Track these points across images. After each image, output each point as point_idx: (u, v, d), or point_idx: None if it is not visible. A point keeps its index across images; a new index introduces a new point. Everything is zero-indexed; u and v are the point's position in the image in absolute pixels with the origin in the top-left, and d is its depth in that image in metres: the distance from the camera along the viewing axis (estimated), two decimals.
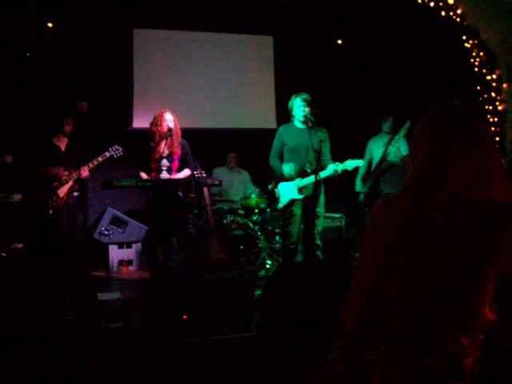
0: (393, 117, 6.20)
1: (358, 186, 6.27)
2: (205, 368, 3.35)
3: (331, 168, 4.81)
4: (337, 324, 1.48)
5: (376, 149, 6.20)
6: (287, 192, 5.00)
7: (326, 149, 5.05)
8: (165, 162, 5.25)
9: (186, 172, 5.35)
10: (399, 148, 5.95)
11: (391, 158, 5.98)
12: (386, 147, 6.05)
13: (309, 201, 4.95)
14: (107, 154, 5.35)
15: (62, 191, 5.26)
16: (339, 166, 4.77)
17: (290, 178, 4.99)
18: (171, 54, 7.26)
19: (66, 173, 5.29)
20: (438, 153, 1.40)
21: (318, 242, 5.01)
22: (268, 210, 6.28)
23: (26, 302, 3.61)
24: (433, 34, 6.32)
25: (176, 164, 5.32)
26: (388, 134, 6.20)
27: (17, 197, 5.60)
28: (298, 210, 4.99)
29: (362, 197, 6.20)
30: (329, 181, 5.05)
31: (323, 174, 4.84)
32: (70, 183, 5.30)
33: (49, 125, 5.55)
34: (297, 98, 5.01)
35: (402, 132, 5.77)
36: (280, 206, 5.07)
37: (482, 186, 1.36)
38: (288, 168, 4.99)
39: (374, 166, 6.19)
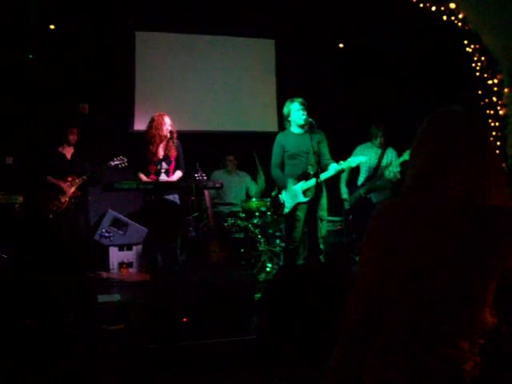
0: (382, 131, 5.96)
1: (345, 193, 6.09)
2: (204, 371, 3.35)
3: (333, 168, 4.84)
4: (337, 327, 1.48)
5: (367, 158, 5.88)
6: (292, 196, 5.00)
7: (325, 149, 5.08)
8: (164, 164, 5.27)
9: (179, 174, 5.36)
10: (391, 161, 5.83)
11: (387, 174, 5.73)
12: (380, 161, 5.91)
13: (312, 204, 4.96)
14: (112, 164, 5.39)
15: (64, 197, 5.29)
16: (343, 164, 4.85)
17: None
18: (173, 56, 7.27)
19: (69, 179, 5.33)
20: (437, 157, 1.41)
21: (322, 247, 5.00)
22: (269, 213, 6.28)
23: (26, 304, 3.61)
24: (434, 39, 6.33)
25: (173, 165, 5.34)
26: (379, 148, 6.01)
27: (18, 199, 5.62)
28: (302, 214, 4.99)
29: (347, 204, 6.11)
30: (331, 184, 5.06)
31: (324, 176, 4.87)
32: (73, 189, 5.33)
33: (53, 133, 5.60)
34: (294, 103, 5.01)
35: (407, 155, 5.48)
36: (286, 211, 5.04)
37: (481, 191, 1.36)
38: (290, 185, 5.01)
39: (361, 176, 6.04)
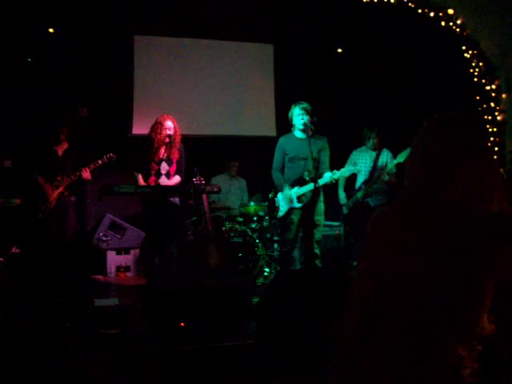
0: (375, 132, 5.93)
1: (343, 198, 6.07)
2: (202, 376, 3.34)
3: (327, 176, 4.85)
4: (335, 333, 1.48)
5: (363, 162, 5.97)
6: (286, 201, 5.01)
7: (325, 157, 5.07)
8: (164, 165, 5.27)
9: (177, 179, 5.34)
10: (387, 163, 5.81)
11: (383, 177, 5.71)
12: (375, 163, 5.89)
13: (307, 209, 4.97)
14: (100, 162, 5.39)
15: (52, 196, 5.31)
16: (336, 174, 4.84)
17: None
18: (172, 60, 7.28)
19: (59, 177, 5.34)
20: (435, 163, 1.42)
21: (317, 251, 5.00)
22: (267, 217, 6.28)
23: (22, 308, 3.60)
24: (432, 45, 6.35)
25: (174, 167, 5.33)
26: (373, 150, 6.00)
27: (15, 202, 5.63)
28: (296, 218, 5.01)
29: (345, 209, 6.09)
30: (329, 189, 5.06)
31: (321, 182, 4.86)
32: (61, 189, 5.34)
33: (45, 131, 5.63)
34: (296, 107, 5.03)
35: (402, 157, 5.40)
36: (280, 214, 5.11)
37: (479, 196, 1.37)
38: (286, 190, 5.02)
39: (359, 179, 6.01)
